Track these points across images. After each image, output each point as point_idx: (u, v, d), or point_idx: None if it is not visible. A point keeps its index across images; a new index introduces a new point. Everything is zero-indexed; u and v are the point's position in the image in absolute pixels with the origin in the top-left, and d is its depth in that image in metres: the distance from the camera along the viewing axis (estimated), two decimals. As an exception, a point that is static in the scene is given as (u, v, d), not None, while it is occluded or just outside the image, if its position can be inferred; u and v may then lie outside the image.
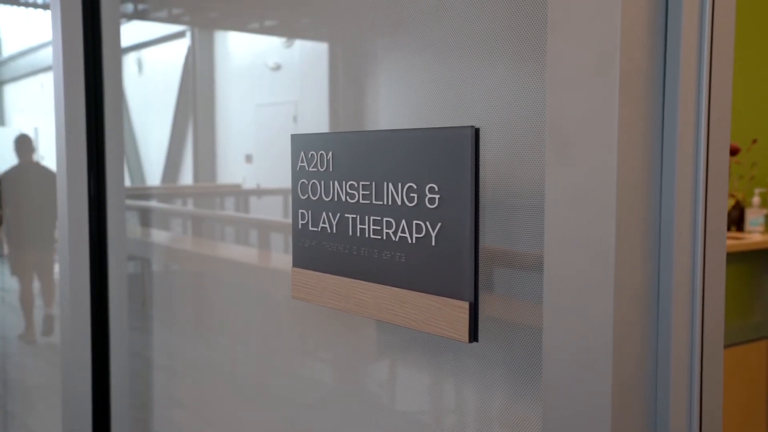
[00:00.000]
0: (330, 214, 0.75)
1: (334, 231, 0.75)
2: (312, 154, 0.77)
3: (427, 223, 0.65)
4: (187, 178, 1.28)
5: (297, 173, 0.79)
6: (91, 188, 1.21)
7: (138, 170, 1.39)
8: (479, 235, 0.61)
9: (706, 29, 0.48)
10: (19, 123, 2.69)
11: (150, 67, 1.34)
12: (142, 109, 1.34)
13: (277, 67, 1.02)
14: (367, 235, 0.71)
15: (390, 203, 0.69)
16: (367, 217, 0.71)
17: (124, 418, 1.30)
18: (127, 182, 1.28)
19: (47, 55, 1.30)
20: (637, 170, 0.48)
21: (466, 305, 0.61)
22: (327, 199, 0.76)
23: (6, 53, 2.82)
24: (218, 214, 1.17)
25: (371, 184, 0.71)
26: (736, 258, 3.22)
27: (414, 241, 0.67)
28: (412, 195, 0.67)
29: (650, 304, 0.50)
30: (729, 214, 3.38)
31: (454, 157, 0.62)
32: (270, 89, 1.05)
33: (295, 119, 0.98)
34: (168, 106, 1.26)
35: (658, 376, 0.50)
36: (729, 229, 3.41)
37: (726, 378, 3.11)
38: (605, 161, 0.47)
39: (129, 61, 1.33)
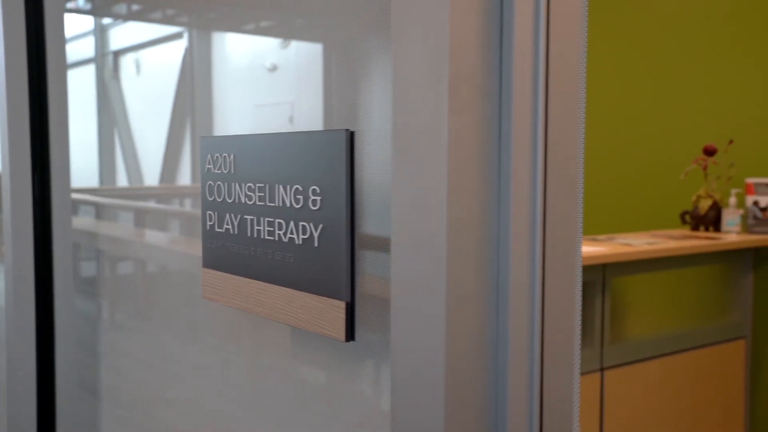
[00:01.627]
0: (232, 215, 0.77)
1: (236, 232, 0.77)
2: (218, 156, 0.79)
3: (311, 224, 0.67)
4: (153, 179, 1.29)
5: (205, 175, 0.81)
6: (36, 189, 1.23)
7: (130, 170, 1.38)
8: (355, 237, 0.63)
9: (541, 39, 0.49)
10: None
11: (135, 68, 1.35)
12: (126, 112, 1.35)
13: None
14: (262, 237, 0.73)
15: (281, 205, 0.70)
16: (262, 219, 0.73)
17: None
18: (122, 182, 1.28)
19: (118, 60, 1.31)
20: (470, 174, 0.49)
21: (343, 305, 0.63)
22: (230, 201, 0.77)
23: None
24: (147, 209, 1.19)
25: (265, 186, 0.72)
26: (713, 258, 3.24)
27: (301, 242, 0.68)
28: (298, 197, 0.68)
29: (488, 305, 0.51)
30: (706, 215, 3.40)
31: (331, 159, 0.63)
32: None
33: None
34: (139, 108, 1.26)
35: (498, 372, 0.51)
36: (707, 229, 3.43)
37: (704, 377, 3.12)
38: (437, 166, 0.48)
39: (120, 61, 1.34)
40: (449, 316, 0.48)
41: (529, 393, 0.50)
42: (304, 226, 0.68)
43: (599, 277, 2.84)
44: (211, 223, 0.80)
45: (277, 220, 0.71)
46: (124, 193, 1.32)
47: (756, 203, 3.29)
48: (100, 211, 1.34)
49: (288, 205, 0.70)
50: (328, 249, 0.65)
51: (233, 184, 0.77)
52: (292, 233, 0.69)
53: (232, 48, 0.93)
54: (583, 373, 2.80)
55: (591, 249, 2.76)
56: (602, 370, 2.87)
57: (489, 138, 0.50)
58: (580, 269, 0.55)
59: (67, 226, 1.28)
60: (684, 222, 3.51)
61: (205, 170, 0.81)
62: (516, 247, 0.50)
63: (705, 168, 3.40)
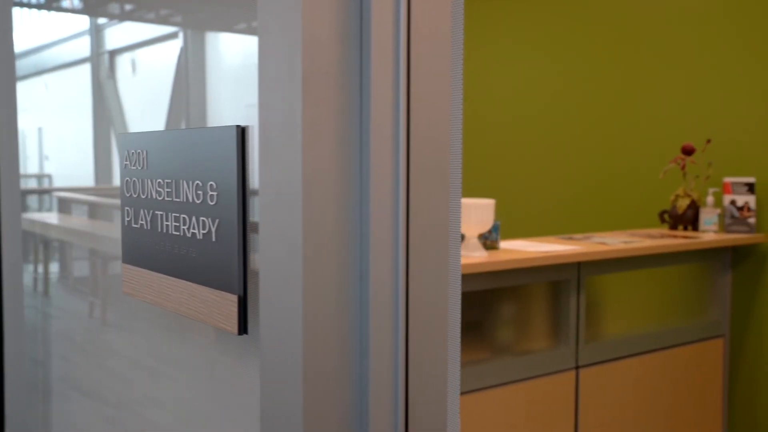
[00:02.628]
0: (145, 211, 0.78)
1: (149, 228, 0.78)
2: (133, 152, 0.79)
3: (210, 219, 0.68)
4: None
5: (123, 171, 0.82)
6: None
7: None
8: (248, 231, 0.64)
9: (401, 36, 0.50)
10: (21, 123, 2.70)
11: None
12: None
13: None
14: (169, 232, 0.74)
15: (184, 200, 0.71)
16: (169, 214, 0.74)
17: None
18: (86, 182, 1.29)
19: (51, 55, 1.32)
20: (328, 169, 0.49)
21: (235, 298, 0.64)
22: (143, 197, 0.78)
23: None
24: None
25: (172, 182, 0.73)
26: (691, 257, 3.25)
27: (201, 237, 0.69)
28: (198, 192, 0.69)
29: (350, 300, 0.51)
30: (684, 214, 3.40)
31: (224, 155, 0.64)
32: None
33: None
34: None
35: (361, 366, 0.52)
36: (686, 228, 3.44)
37: (683, 376, 3.13)
38: (293, 160, 0.49)
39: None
40: (307, 310, 0.49)
41: (393, 385, 0.51)
42: (203, 221, 0.69)
43: (574, 276, 2.84)
44: (129, 219, 0.81)
45: (181, 216, 0.72)
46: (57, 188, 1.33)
47: (733, 202, 3.30)
48: (52, 205, 1.35)
49: (190, 200, 0.70)
50: (223, 243, 0.66)
51: (146, 180, 0.78)
52: (194, 228, 0.70)
53: (147, 46, 0.95)
54: (557, 372, 2.81)
55: (566, 247, 2.77)
56: (577, 368, 2.87)
57: (349, 133, 0.50)
58: (458, 268, 0.56)
59: (17, 220, 1.29)
60: (663, 221, 3.52)
61: (123, 166, 0.82)
62: (377, 244, 0.51)
63: (683, 167, 3.41)
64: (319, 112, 0.49)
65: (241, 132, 0.63)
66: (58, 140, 1.36)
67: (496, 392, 2.63)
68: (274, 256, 0.52)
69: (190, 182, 0.70)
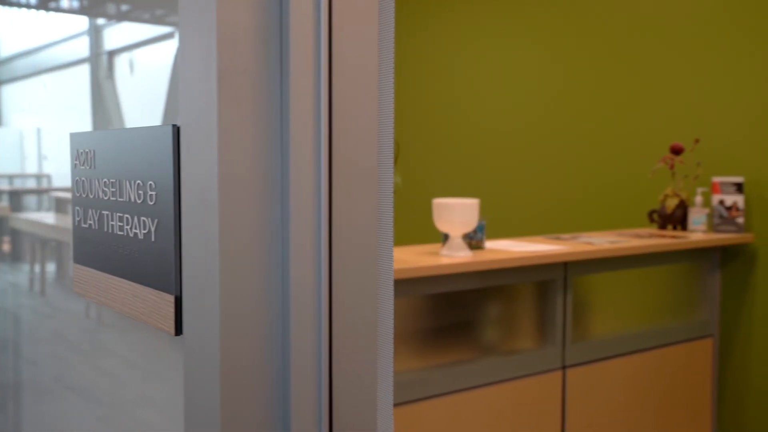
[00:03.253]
0: (93, 210, 0.78)
1: (97, 227, 0.77)
2: (82, 151, 0.79)
3: (149, 219, 0.67)
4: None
5: (74, 171, 0.81)
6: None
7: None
8: (182, 231, 0.63)
9: (322, 34, 0.49)
10: (20, 123, 2.70)
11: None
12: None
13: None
14: (115, 232, 0.73)
15: (127, 200, 0.71)
16: (114, 214, 0.73)
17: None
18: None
19: (49, 56, 1.32)
20: (246, 170, 0.49)
21: (172, 299, 0.63)
22: (92, 197, 0.78)
23: (5, 53, 2.83)
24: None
25: (116, 181, 0.73)
26: (679, 257, 3.24)
27: (142, 237, 0.69)
28: (140, 192, 0.69)
29: (270, 304, 0.51)
30: (673, 214, 3.40)
31: (161, 154, 0.64)
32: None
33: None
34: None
35: (284, 368, 0.52)
36: (675, 228, 3.43)
37: (672, 376, 3.12)
38: (210, 160, 0.49)
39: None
40: (224, 311, 0.49)
41: (316, 385, 0.50)
42: (144, 221, 0.68)
43: (560, 276, 2.84)
44: (79, 218, 0.81)
45: (125, 215, 0.72)
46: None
47: (722, 202, 3.30)
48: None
49: (132, 200, 0.70)
50: (161, 243, 0.65)
51: (94, 180, 0.77)
52: (135, 228, 0.70)
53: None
54: (544, 372, 2.80)
55: (551, 247, 2.77)
56: (564, 368, 2.87)
57: (269, 133, 0.50)
58: (390, 272, 0.55)
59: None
60: (652, 221, 3.52)
61: (74, 166, 0.81)
62: (297, 246, 0.50)
63: (672, 167, 3.40)
64: (237, 111, 0.49)
65: (177, 131, 0.63)
66: (57, 140, 1.35)
67: (482, 392, 2.62)
68: (195, 256, 0.52)
69: (132, 182, 0.70)
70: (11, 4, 2.51)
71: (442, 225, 2.47)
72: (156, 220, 0.66)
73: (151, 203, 0.67)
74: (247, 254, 0.50)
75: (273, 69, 0.50)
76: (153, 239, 0.67)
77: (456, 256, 2.46)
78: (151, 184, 0.66)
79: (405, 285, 2.41)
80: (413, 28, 5.11)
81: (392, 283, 0.56)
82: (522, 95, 4.37)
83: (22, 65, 2.62)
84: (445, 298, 2.55)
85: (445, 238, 2.62)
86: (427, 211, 5.09)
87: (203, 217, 0.51)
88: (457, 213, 2.42)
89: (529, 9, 4.31)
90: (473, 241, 2.65)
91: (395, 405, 2.39)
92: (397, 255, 2.48)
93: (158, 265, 0.66)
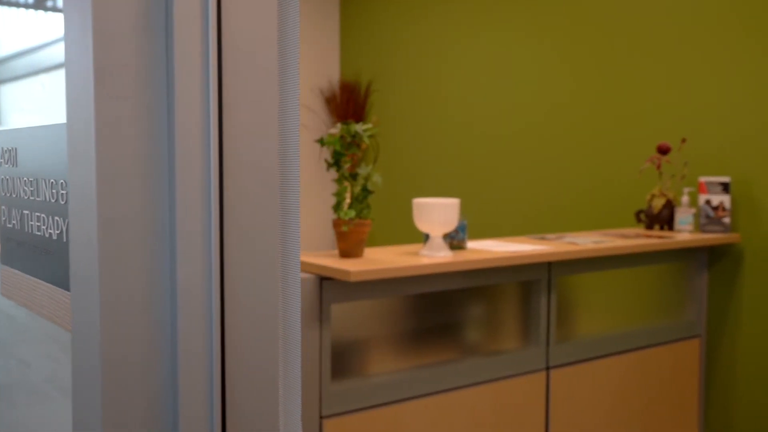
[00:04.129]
0: (16, 210, 0.76)
1: (19, 227, 0.75)
2: (7, 149, 0.77)
3: (62, 219, 0.65)
4: None
5: (1, 170, 0.80)
6: None
7: None
8: (70, 230, 0.61)
9: (210, 31, 0.47)
10: (19, 122, 2.68)
11: None
12: None
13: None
14: (33, 232, 0.72)
15: (44, 199, 0.69)
16: (33, 214, 0.71)
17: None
18: None
19: (47, 55, 1.29)
20: (128, 168, 0.47)
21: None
22: (14, 196, 0.76)
23: (2, 53, 2.80)
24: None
25: (34, 180, 0.71)
26: (666, 257, 3.22)
27: (56, 237, 0.67)
28: (53, 191, 0.67)
29: (156, 302, 0.49)
30: (659, 214, 3.38)
31: (65, 153, 0.62)
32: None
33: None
34: None
35: (172, 368, 0.50)
36: (662, 227, 3.41)
37: (658, 376, 3.10)
38: (88, 158, 0.47)
39: None
40: (105, 308, 0.47)
41: (207, 386, 0.48)
42: (57, 220, 0.67)
43: (545, 276, 2.82)
44: (4, 218, 0.79)
45: (42, 215, 0.70)
46: None
47: (708, 202, 3.27)
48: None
49: (48, 199, 0.68)
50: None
51: (16, 178, 0.75)
52: (51, 228, 0.68)
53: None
54: (528, 373, 2.78)
55: (534, 247, 2.75)
56: (548, 369, 2.85)
57: (154, 131, 0.48)
58: (296, 269, 0.53)
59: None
60: (639, 221, 3.50)
61: (1, 165, 0.79)
62: (185, 246, 0.48)
63: (659, 167, 3.38)
64: (117, 107, 0.47)
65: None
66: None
67: (465, 393, 2.60)
68: (81, 255, 0.50)
69: (47, 181, 0.68)
70: (8, 4, 2.48)
71: (422, 225, 2.45)
72: (67, 220, 0.64)
73: (63, 203, 0.65)
74: (130, 252, 0.48)
75: (158, 65, 0.48)
76: (65, 239, 0.65)
77: (436, 256, 2.44)
78: (62, 183, 0.65)
79: (385, 285, 2.39)
80: (394, 29, 5.09)
81: (298, 283, 0.54)
82: (506, 95, 4.35)
83: (19, 65, 2.60)
84: (427, 298, 2.53)
85: (426, 238, 2.60)
86: (410, 212, 5.07)
87: (85, 217, 0.49)
88: (437, 213, 2.40)
89: (515, 9, 4.29)
90: (454, 241, 2.63)
91: (377, 406, 2.37)
92: (377, 255, 2.46)
93: (68, 267, 0.64)
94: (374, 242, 5.33)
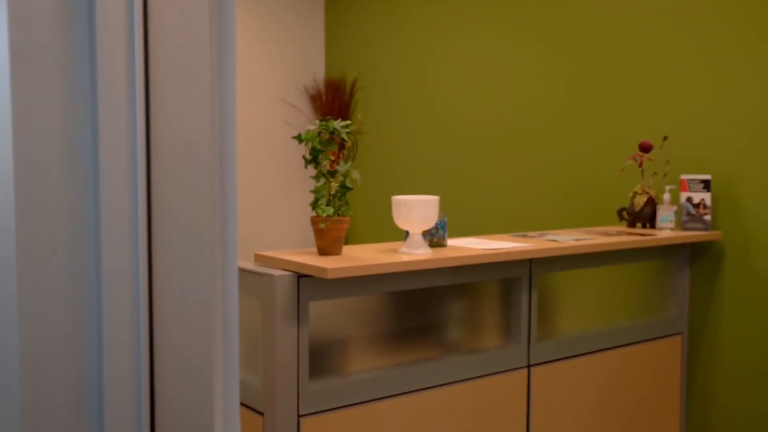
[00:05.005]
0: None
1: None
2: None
3: None
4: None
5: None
6: None
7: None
8: None
9: (135, 13, 0.46)
10: None
11: None
12: None
13: None
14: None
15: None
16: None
17: None
18: None
19: None
20: (49, 155, 0.45)
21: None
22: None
23: None
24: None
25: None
26: (648, 254, 3.23)
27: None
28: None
29: (80, 292, 0.48)
30: (641, 211, 3.38)
31: None
32: None
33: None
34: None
35: (97, 365, 0.48)
36: (644, 225, 3.41)
37: (640, 374, 3.10)
38: (6, 143, 0.45)
39: None
40: (23, 303, 0.45)
41: (134, 384, 0.47)
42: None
43: (526, 274, 2.82)
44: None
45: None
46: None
47: (689, 199, 3.28)
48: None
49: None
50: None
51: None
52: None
53: None
54: (509, 371, 2.78)
55: (515, 245, 2.74)
56: (529, 367, 2.85)
57: (76, 115, 0.46)
58: (234, 267, 0.52)
59: None
60: (621, 218, 3.50)
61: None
62: (110, 242, 0.47)
63: (641, 165, 3.39)
64: (36, 89, 0.45)
65: None
66: None
67: (446, 391, 2.59)
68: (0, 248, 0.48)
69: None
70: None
71: (401, 222, 2.44)
72: None
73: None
74: (51, 241, 0.47)
75: (80, 45, 0.46)
76: None
77: (415, 253, 2.43)
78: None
79: (363, 283, 2.38)
80: (379, 26, 5.08)
81: (236, 280, 0.52)
82: (489, 94, 4.35)
83: None
84: (407, 296, 2.52)
85: (406, 235, 2.59)
86: (391, 210, 5.06)
87: (2, 205, 0.47)
88: (416, 210, 2.39)
89: (499, 9, 4.29)
90: (434, 238, 2.62)
91: (356, 404, 2.36)
92: (356, 253, 2.44)
93: None
94: (358, 241, 5.32)
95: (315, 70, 5.60)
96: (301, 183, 5.60)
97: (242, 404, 2.35)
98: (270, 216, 5.43)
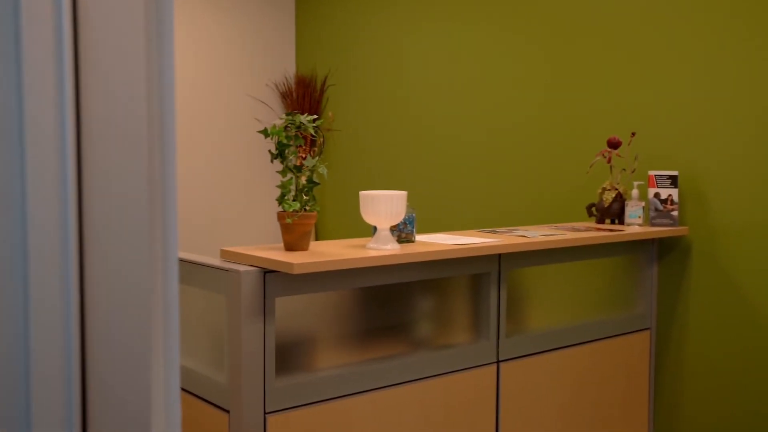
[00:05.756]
0: None
1: None
2: None
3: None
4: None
5: None
6: None
7: None
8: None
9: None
10: None
11: None
12: None
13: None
14: None
15: None
16: None
17: None
18: None
19: None
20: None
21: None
22: None
23: None
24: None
25: None
26: (616, 250, 3.24)
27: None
28: None
29: (6, 294, 0.45)
30: (610, 207, 3.40)
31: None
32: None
33: None
34: None
35: (24, 360, 0.46)
36: (613, 221, 3.43)
37: (608, 369, 3.11)
38: None
39: None
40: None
41: (64, 384, 0.44)
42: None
43: (494, 269, 2.81)
44: None
45: None
46: None
47: (657, 195, 3.30)
48: None
49: None
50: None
51: None
52: None
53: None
54: (477, 366, 2.77)
55: (484, 240, 2.73)
56: (498, 362, 2.84)
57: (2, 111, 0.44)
58: (174, 263, 0.49)
59: None
60: (590, 215, 3.52)
61: None
62: (38, 222, 0.44)
63: (609, 161, 3.40)
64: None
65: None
66: None
67: (414, 387, 2.58)
68: None
69: None
70: None
71: (368, 217, 2.42)
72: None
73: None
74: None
75: (6, 36, 0.43)
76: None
77: (383, 248, 2.41)
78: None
79: (330, 278, 2.35)
80: (350, 22, 5.06)
81: (175, 273, 0.50)
82: (459, 91, 4.35)
83: None
84: (375, 292, 2.50)
85: (374, 231, 2.58)
86: (359, 206, 5.04)
87: None
88: (383, 204, 2.38)
89: (467, 6, 4.28)
90: (402, 233, 2.61)
91: (324, 401, 2.33)
92: (323, 248, 2.42)
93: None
94: (329, 239, 5.29)
95: (285, 67, 5.56)
96: (271, 179, 5.56)
97: (208, 402, 2.31)
98: (238, 213, 5.38)
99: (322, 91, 5.33)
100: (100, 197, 0.46)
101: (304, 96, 5.35)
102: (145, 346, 0.48)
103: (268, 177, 5.51)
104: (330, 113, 5.28)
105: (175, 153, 0.51)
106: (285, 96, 5.47)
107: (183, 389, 2.44)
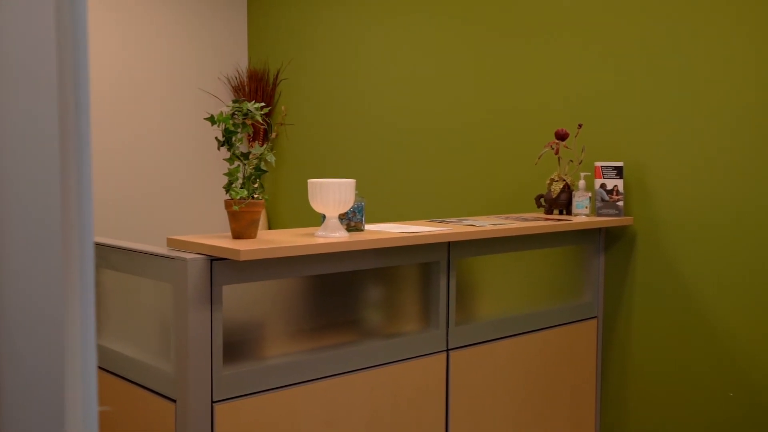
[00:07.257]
0: None
1: None
2: None
3: None
4: None
5: None
6: None
7: None
8: None
9: None
10: None
11: None
12: None
13: None
14: None
15: None
16: None
17: None
18: None
19: None
20: None
21: None
22: None
23: None
24: None
25: None
26: (564, 239, 3.29)
27: None
28: None
29: None
30: (558, 198, 3.45)
31: None
32: None
33: None
34: None
35: None
36: (561, 212, 3.48)
37: (556, 357, 3.15)
38: None
39: None
40: None
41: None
42: None
43: (444, 258, 2.83)
44: None
45: None
46: None
47: (603, 186, 3.36)
48: None
49: None
50: None
51: None
52: None
53: None
54: (427, 355, 2.79)
55: (433, 229, 2.75)
56: (447, 351, 2.87)
57: None
58: (86, 261, 0.49)
59: None
60: (539, 205, 3.57)
61: None
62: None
63: (557, 152, 3.45)
64: None
65: None
66: None
67: (364, 376, 2.59)
68: None
69: None
70: None
71: (317, 205, 2.42)
72: None
73: None
74: None
75: None
76: None
77: (331, 236, 2.41)
78: None
79: (279, 266, 2.35)
80: (303, 15, 5.04)
81: (91, 262, 0.50)
82: (408, 82, 4.37)
83: None
84: (324, 280, 2.50)
85: (323, 219, 2.58)
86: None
87: None
88: (332, 192, 2.38)
89: (413, 0, 4.31)
90: (352, 222, 2.61)
91: (273, 389, 2.32)
92: (272, 236, 2.41)
93: None
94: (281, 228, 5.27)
95: (237, 60, 5.51)
96: (221, 168, 5.51)
97: (154, 392, 2.29)
98: (185, 202, 5.32)
99: (275, 85, 5.30)
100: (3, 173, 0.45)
101: (256, 90, 5.31)
102: (57, 334, 0.48)
103: (219, 167, 5.46)
104: (283, 107, 5.25)
105: (89, 129, 0.50)
106: (237, 90, 5.43)
107: (129, 380, 2.41)
